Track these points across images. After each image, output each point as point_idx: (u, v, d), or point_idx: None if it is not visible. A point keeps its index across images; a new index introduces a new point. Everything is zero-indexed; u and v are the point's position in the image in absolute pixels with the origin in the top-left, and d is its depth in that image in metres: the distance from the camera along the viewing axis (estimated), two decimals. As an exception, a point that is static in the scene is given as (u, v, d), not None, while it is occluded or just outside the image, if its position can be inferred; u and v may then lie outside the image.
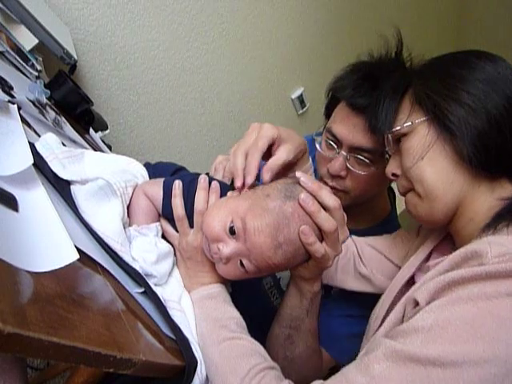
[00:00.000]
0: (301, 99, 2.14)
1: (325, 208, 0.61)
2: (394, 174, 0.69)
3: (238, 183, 0.65)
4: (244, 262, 0.61)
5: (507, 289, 0.46)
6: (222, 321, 0.60)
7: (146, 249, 0.62)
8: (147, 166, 0.75)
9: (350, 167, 0.84)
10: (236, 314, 0.63)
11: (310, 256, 0.62)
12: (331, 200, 0.61)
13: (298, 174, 0.63)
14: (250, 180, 0.65)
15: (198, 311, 0.63)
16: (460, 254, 0.52)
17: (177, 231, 0.68)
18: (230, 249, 0.60)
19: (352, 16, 2.16)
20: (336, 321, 0.86)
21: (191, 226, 0.66)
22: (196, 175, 0.69)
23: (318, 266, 0.64)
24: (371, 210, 1.00)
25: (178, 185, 0.66)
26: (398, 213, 1.07)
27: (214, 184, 0.67)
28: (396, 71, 0.77)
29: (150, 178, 0.72)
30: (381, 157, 0.79)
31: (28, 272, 0.37)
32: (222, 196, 0.67)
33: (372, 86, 0.79)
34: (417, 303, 0.53)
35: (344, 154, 0.84)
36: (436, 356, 0.44)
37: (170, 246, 0.66)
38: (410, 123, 0.64)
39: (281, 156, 0.69)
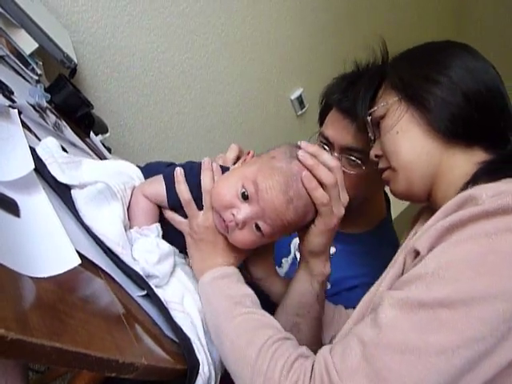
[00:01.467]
0: (300, 100, 2.14)
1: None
2: (376, 156, 0.74)
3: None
4: (259, 223, 0.63)
5: (506, 224, 0.46)
6: (236, 298, 0.61)
7: (147, 249, 0.62)
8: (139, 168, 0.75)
9: (342, 168, 0.87)
10: (250, 291, 0.63)
11: (316, 213, 0.65)
12: (331, 160, 0.65)
13: (300, 141, 0.66)
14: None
15: (212, 290, 0.63)
16: (455, 201, 0.53)
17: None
18: (246, 212, 0.62)
19: (351, 16, 2.16)
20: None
21: (199, 209, 0.67)
22: (193, 163, 0.70)
23: (324, 222, 0.65)
24: (365, 214, 1.02)
25: (179, 171, 0.67)
26: (394, 217, 1.09)
27: (215, 165, 0.69)
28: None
29: (145, 179, 0.73)
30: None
31: (30, 277, 0.37)
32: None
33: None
34: (417, 253, 0.53)
35: (336, 155, 0.90)
36: (443, 297, 0.44)
37: (171, 246, 0.66)
38: (384, 103, 0.70)
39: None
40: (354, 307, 0.88)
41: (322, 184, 0.63)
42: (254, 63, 1.87)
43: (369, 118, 0.74)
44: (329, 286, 0.95)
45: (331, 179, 0.63)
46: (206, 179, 0.67)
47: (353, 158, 0.88)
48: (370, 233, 1.03)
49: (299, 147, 0.66)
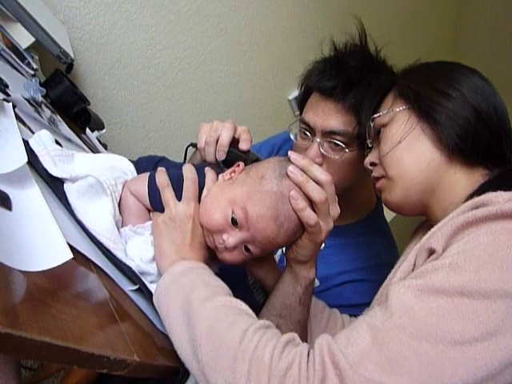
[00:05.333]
0: (298, 100, 2.14)
1: (317, 183, 0.61)
2: (372, 164, 0.72)
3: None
4: (249, 246, 0.62)
5: None
6: (213, 287, 0.55)
7: (142, 247, 0.62)
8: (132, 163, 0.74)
9: (325, 153, 0.86)
10: (226, 286, 0.58)
11: (303, 229, 0.63)
12: (322, 175, 0.62)
13: (290, 152, 0.64)
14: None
15: (186, 279, 0.56)
16: (469, 204, 0.52)
17: None
18: (236, 238, 0.61)
19: (351, 16, 2.15)
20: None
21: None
22: (180, 165, 0.69)
23: (311, 238, 0.63)
24: (353, 203, 0.98)
25: (161, 172, 0.65)
26: (392, 218, 1.07)
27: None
28: (359, 53, 0.85)
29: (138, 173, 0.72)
30: (353, 140, 0.83)
31: (21, 271, 0.36)
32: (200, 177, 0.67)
33: (336, 68, 0.84)
34: (431, 252, 0.52)
35: (318, 140, 0.86)
36: (462, 285, 0.43)
37: None
38: (391, 111, 0.69)
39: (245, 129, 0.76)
40: (346, 304, 0.87)
41: (311, 201, 0.61)
42: (253, 62, 1.87)
43: (371, 124, 0.72)
44: (318, 284, 0.93)
45: (321, 196, 0.60)
46: (187, 170, 0.65)
47: (336, 142, 0.85)
48: (359, 223, 1.00)
49: (289, 160, 0.63)
